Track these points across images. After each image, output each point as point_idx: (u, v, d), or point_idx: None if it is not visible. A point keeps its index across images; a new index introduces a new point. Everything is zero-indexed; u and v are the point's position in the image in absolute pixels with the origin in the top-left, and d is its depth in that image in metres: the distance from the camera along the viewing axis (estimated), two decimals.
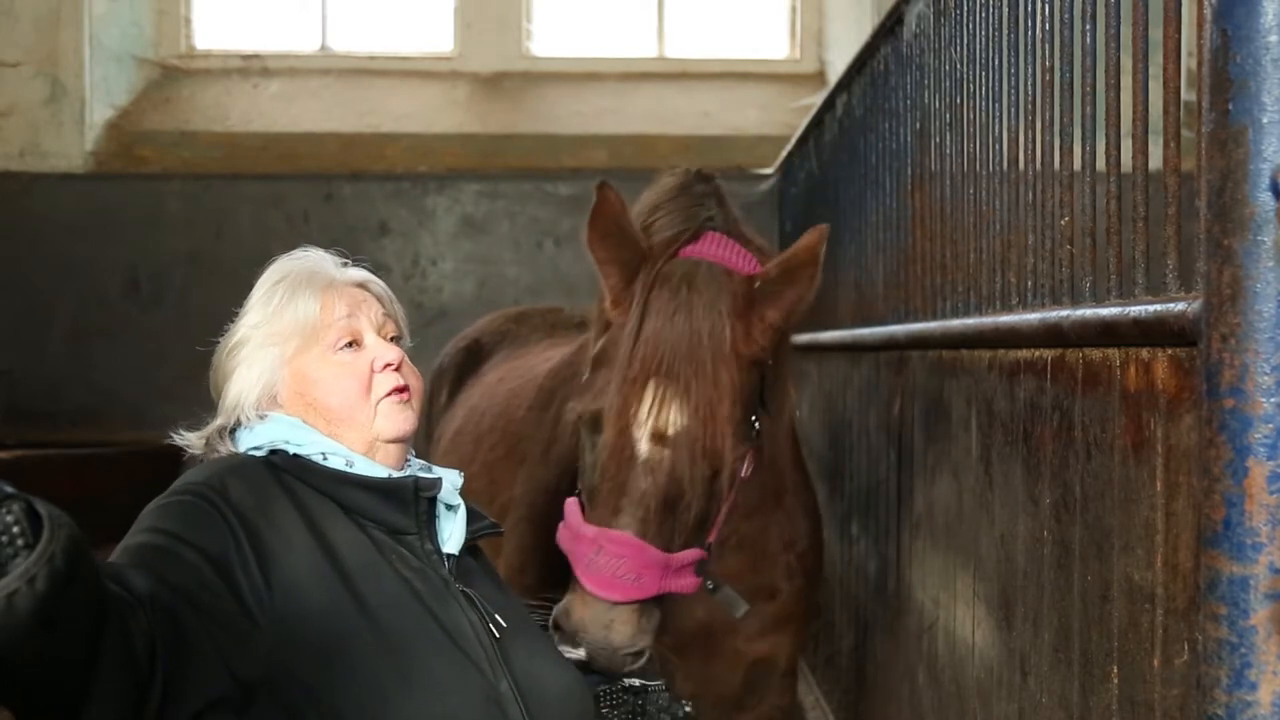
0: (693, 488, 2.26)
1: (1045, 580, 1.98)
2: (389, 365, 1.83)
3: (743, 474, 2.44)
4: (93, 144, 7.59)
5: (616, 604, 2.20)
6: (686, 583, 2.30)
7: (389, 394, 1.83)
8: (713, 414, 2.24)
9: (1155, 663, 1.57)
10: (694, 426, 2.24)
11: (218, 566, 1.59)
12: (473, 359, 4.07)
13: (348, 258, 1.95)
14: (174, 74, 8.10)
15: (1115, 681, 1.70)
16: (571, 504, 2.34)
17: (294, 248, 1.95)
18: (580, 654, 2.20)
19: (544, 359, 3.50)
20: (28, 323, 7.25)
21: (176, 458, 1.90)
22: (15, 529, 1.17)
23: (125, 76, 7.87)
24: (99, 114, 7.65)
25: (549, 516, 2.90)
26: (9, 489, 1.18)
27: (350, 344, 1.84)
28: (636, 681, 2.24)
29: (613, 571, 2.20)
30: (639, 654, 2.26)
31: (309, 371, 1.82)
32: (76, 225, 7.29)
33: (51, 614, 1.20)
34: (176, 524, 1.62)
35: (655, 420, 2.23)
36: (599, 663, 2.22)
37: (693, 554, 2.29)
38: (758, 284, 2.34)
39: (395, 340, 1.91)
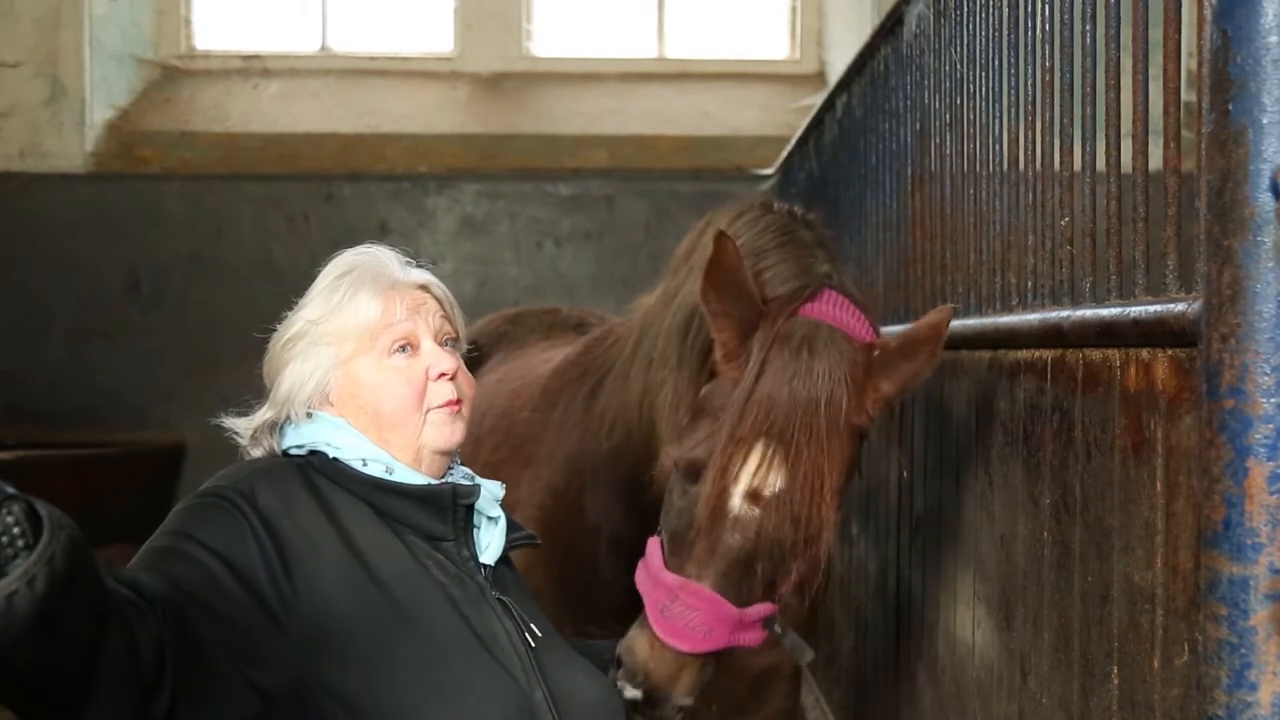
0: (779, 550, 2.21)
1: (1045, 581, 1.98)
2: (444, 375, 1.82)
3: None
4: (93, 144, 7.59)
5: (683, 655, 2.18)
6: (753, 637, 2.27)
7: (441, 405, 1.81)
8: (820, 483, 2.19)
9: (1155, 663, 1.57)
10: (794, 492, 2.19)
11: (238, 572, 1.58)
12: (469, 361, 4.07)
13: (411, 258, 1.94)
14: (174, 74, 8.10)
15: (1115, 682, 1.70)
16: (653, 545, 2.32)
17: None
18: (636, 694, 2.19)
19: (543, 359, 3.50)
20: (28, 323, 7.25)
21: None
22: (16, 530, 1.17)
23: (125, 77, 7.88)
24: (99, 114, 7.65)
25: (556, 518, 2.89)
26: (10, 489, 1.18)
27: (405, 347, 1.82)
28: None
29: (685, 622, 2.19)
30: (685, 707, 2.25)
31: (362, 375, 1.80)
32: (76, 225, 7.29)
33: (51, 615, 1.19)
34: (199, 528, 1.61)
35: (755, 481, 2.19)
36: (649, 713, 2.21)
37: (764, 609, 2.26)
38: (876, 353, 2.28)
39: (453, 342, 1.90)
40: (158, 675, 1.41)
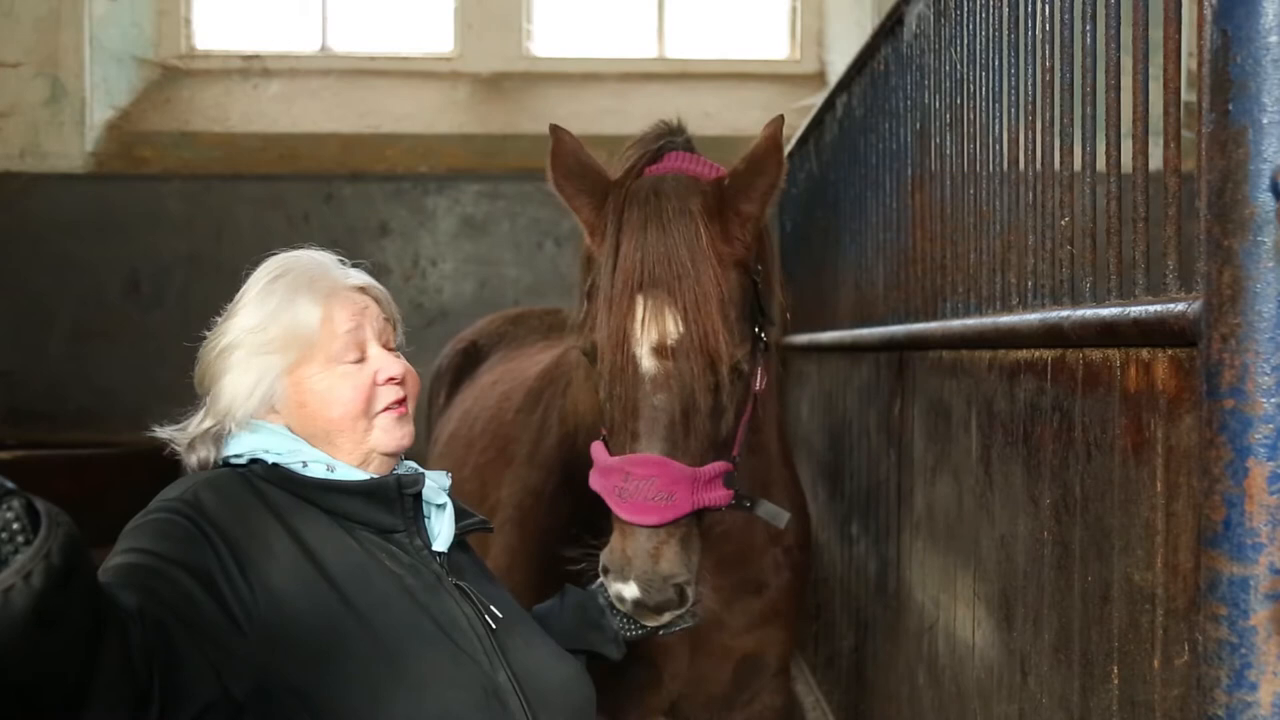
0: (704, 395, 2.22)
1: (1045, 581, 1.98)
2: (392, 379, 1.82)
3: (758, 387, 2.42)
4: (93, 144, 7.59)
5: (657, 529, 2.15)
6: (718, 495, 2.25)
7: (389, 407, 1.82)
8: (705, 315, 2.21)
9: (1155, 663, 1.57)
10: (690, 331, 2.21)
11: (201, 580, 1.57)
12: (470, 361, 4.07)
13: (345, 259, 1.92)
14: (174, 74, 8.10)
15: (1115, 682, 1.70)
16: (597, 447, 2.31)
17: (295, 248, 1.93)
18: (635, 592, 2.15)
19: (536, 361, 3.50)
20: (28, 323, 7.26)
21: (175, 459, 1.89)
22: (15, 525, 1.16)
23: (125, 77, 7.88)
24: (99, 114, 7.65)
25: (536, 518, 2.89)
26: (9, 485, 1.17)
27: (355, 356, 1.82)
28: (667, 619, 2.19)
29: (644, 495, 2.15)
30: (687, 588, 2.19)
31: (310, 383, 1.80)
32: (76, 226, 7.30)
33: (48, 611, 1.19)
34: (156, 542, 1.60)
35: (651, 333, 2.21)
36: (651, 598, 2.16)
37: (719, 466, 2.25)
38: (727, 181, 2.36)
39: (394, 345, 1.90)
40: (149, 684, 1.40)
